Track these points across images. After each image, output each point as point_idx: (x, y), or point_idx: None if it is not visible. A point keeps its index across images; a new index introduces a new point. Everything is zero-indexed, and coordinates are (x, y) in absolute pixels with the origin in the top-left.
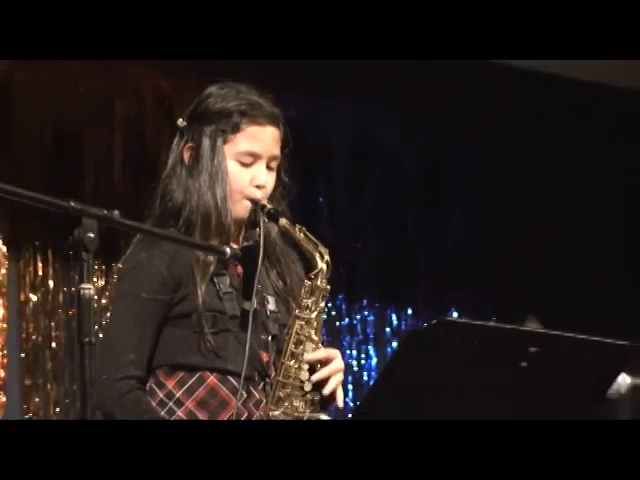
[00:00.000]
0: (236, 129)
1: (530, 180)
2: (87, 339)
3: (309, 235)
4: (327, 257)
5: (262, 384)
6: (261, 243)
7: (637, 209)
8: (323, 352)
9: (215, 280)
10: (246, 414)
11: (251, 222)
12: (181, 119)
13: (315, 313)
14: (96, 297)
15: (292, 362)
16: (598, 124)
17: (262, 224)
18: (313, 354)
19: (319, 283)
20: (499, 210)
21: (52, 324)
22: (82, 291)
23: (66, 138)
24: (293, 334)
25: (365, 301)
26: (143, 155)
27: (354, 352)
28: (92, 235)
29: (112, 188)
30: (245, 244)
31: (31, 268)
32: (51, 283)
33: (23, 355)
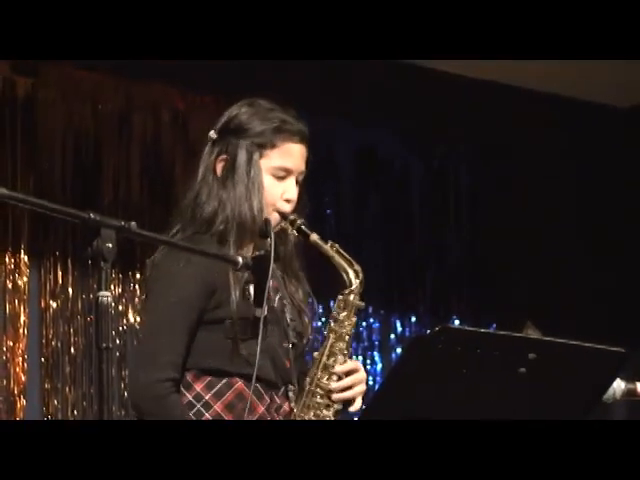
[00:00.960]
0: (272, 145)
1: (530, 189)
2: (105, 344)
3: (342, 252)
4: (361, 275)
5: (283, 390)
6: (272, 253)
7: (635, 216)
8: (351, 364)
9: (246, 288)
10: (268, 419)
11: (262, 233)
12: (213, 131)
13: (347, 327)
14: (113, 304)
15: (323, 373)
16: (597, 135)
17: (273, 235)
18: (343, 366)
19: (352, 299)
20: (500, 220)
21: (71, 330)
22: (100, 298)
23: (86, 153)
24: (328, 347)
25: (370, 308)
26: (159, 168)
27: (360, 358)
28: (110, 245)
29: (129, 200)
30: (257, 253)
31: (51, 276)
32: (70, 291)
33: (43, 360)
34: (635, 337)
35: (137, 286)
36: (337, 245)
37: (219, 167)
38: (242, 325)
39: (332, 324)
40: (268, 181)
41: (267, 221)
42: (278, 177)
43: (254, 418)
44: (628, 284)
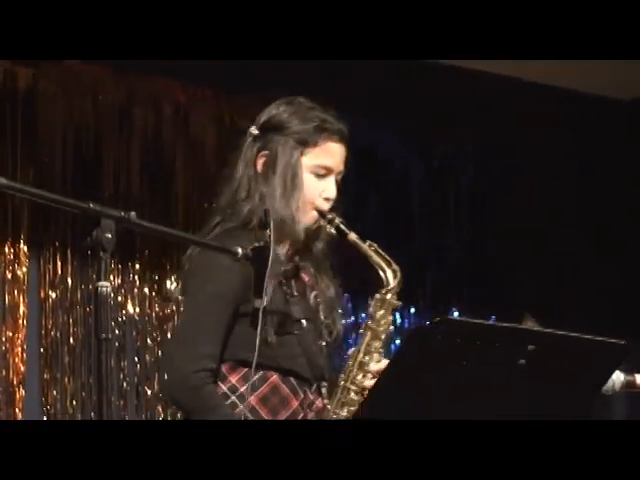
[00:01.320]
0: (312, 143)
1: (534, 188)
2: (104, 335)
3: (380, 251)
4: (399, 274)
5: (316, 386)
6: (271, 244)
7: (636, 210)
8: (385, 363)
9: (284, 283)
10: (302, 414)
11: (261, 224)
12: (254, 127)
13: (384, 326)
14: (112, 295)
15: (358, 371)
16: (599, 131)
17: (272, 226)
18: (378, 365)
19: (389, 298)
20: (502, 219)
21: (70, 320)
22: (99, 289)
23: (87, 146)
24: (364, 345)
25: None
26: (160, 161)
27: None
28: (110, 235)
29: (130, 194)
30: (256, 244)
31: (51, 266)
32: (70, 281)
33: (42, 350)
34: (637, 334)
35: (136, 277)
36: (375, 244)
37: (259, 163)
38: (276, 320)
39: (369, 322)
40: (308, 179)
41: (267, 212)
42: (318, 175)
43: (288, 413)
44: (630, 282)
